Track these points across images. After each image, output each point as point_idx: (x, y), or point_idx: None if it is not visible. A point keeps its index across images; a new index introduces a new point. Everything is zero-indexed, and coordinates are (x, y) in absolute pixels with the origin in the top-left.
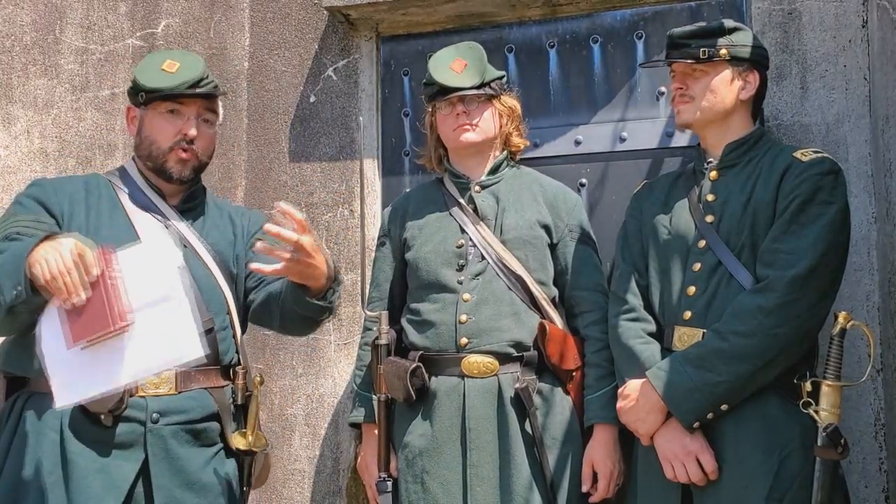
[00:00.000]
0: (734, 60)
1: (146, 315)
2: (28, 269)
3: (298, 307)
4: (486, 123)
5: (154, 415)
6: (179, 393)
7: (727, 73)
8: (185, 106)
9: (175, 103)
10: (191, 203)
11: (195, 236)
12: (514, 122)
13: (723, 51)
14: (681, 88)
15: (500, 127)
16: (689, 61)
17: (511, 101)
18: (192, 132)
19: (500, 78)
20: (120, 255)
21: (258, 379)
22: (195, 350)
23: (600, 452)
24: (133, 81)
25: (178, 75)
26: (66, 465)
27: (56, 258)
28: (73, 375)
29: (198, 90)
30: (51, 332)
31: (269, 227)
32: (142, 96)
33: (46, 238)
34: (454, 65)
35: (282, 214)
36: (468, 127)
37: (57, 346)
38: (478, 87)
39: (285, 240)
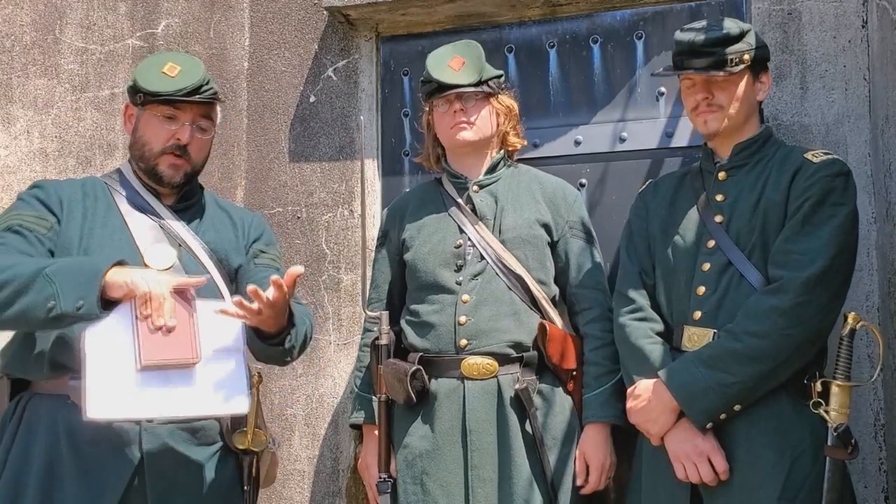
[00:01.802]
0: (752, 63)
1: (207, 360)
2: (103, 285)
3: (259, 350)
4: (483, 122)
5: None
6: None
7: (749, 77)
8: (182, 111)
9: (172, 108)
10: (186, 202)
11: (191, 235)
12: (512, 121)
13: (746, 56)
14: (707, 98)
15: (497, 126)
16: (721, 73)
17: (508, 101)
18: (186, 139)
19: (498, 77)
20: (198, 303)
21: (255, 378)
22: (242, 405)
23: (591, 446)
24: (133, 81)
25: (177, 80)
26: (61, 467)
27: (153, 282)
28: (119, 392)
29: (196, 97)
30: (112, 344)
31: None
32: (140, 97)
33: (118, 263)
34: (452, 62)
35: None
36: (465, 125)
37: (115, 361)
38: (475, 85)
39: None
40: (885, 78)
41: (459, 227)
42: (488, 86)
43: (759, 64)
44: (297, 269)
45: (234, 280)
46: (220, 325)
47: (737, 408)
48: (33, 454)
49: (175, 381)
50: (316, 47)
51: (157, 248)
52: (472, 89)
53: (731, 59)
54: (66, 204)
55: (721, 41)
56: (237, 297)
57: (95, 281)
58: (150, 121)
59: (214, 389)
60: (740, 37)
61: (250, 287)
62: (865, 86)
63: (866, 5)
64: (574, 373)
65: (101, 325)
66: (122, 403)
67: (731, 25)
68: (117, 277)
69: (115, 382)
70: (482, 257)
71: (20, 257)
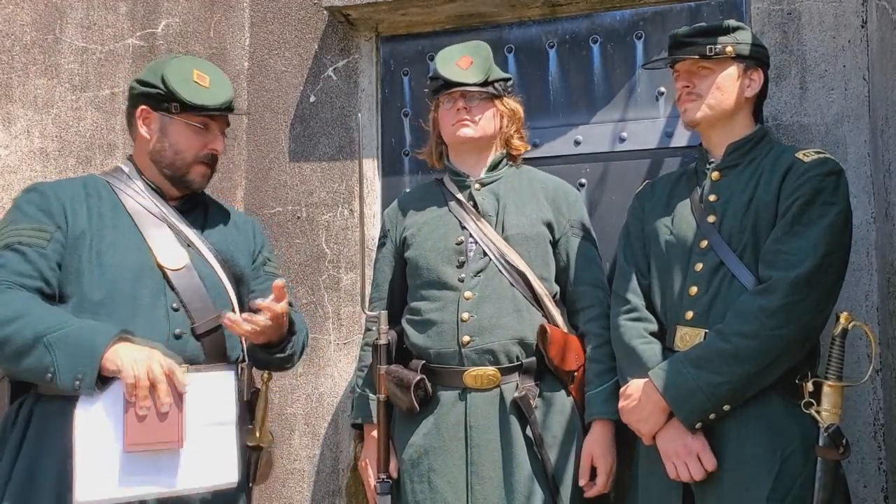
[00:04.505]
0: (739, 58)
1: (197, 435)
2: (102, 364)
3: (262, 360)
4: (486, 122)
5: None
6: None
7: (732, 70)
8: (215, 121)
9: (207, 118)
10: (190, 204)
11: (196, 236)
12: (516, 125)
13: (728, 48)
14: (687, 86)
15: (501, 128)
16: (695, 57)
17: (513, 104)
18: (221, 149)
19: (506, 80)
20: (190, 377)
21: (266, 375)
22: (231, 477)
23: (600, 447)
24: (164, 87)
25: (215, 92)
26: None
27: (146, 368)
28: (109, 474)
29: (233, 109)
30: (100, 428)
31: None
32: (175, 107)
33: (122, 339)
34: (461, 61)
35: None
36: (467, 122)
37: (104, 443)
38: (481, 85)
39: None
40: (884, 78)
41: (460, 223)
42: (494, 87)
43: (747, 60)
44: (280, 280)
45: (240, 283)
46: (214, 396)
47: (726, 408)
48: (45, 463)
49: (163, 462)
50: (316, 47)
51: (169, 248)
52: (476, 88)
53: (710, 49)
54: (69, 206)
55: (703, 33)
56: (245, 313)
57: (93, 360)
58: (183, 130)
59: (203, 465)
60: (725, 31)
61: (260, 303)
62: (865, 86)
63: (866, 5)
64: (575, 373)
65: (92, 406)
66: (109, 486)
67: (719, 22)
68: (111, 359)
69: (103, 465)
70: (485, 254)
71: (23, 305)
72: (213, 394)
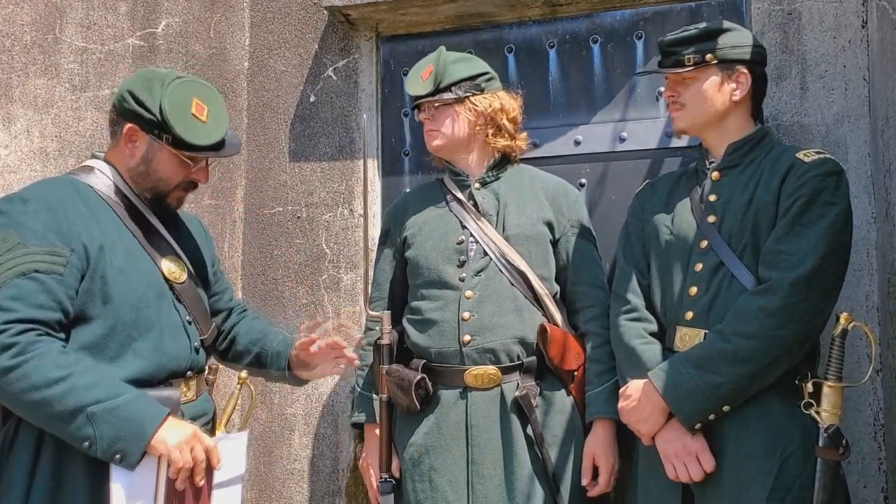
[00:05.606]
0: (722, 63)
1: (217, 496)
2: (146, 445)
3: (276, 378)
4: (447, 128)
5: (188, 420)
6: (198, 397)
7: (716, 77)
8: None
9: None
10: (167, 214)
11: (178, 247)
12: (492, 122)
13: (709, 56)
14: (672, 96)
15: (471, 128)
16: (676, 70)
17: (485, 102)
18: (205, 179)
19: (471, 78)
20: (219, 447)
21: (244, 374)
22: None
23: (602, 447)
24: (160, 117)
25: (210, 130)
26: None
27: (186, 451)
28: None
29: (226, 147)
30: (136, 495)
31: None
32: (168, 138)
33: (167, 416)
34: (424, 72)
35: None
36: (432, 133)
37: None
38: (432, 94)
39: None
40: (884, 78)
41: (461, 222)
42: (451, 91)
43: (733, 63)
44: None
45: (207, 288)
46: (232, 458)
47: (726, 408)
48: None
49: None
50: (316, 47)
51: (170, 260)
52: (427, 100)
53: (688, 59)
54: (80, 221)
55: (681, 42)
56: (332, 339)
57: (141, 442)
58: (169, 160)
59: None
60: (706, 37)
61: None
62: (865, 86)
63: (866, 5)
64: (575, 372)
65: (129, 480)
66: None
67: (703, 28)
68: (158, 441)
69: None
70: (485, 253)
71: (63, 364)
72: (231, 456)
